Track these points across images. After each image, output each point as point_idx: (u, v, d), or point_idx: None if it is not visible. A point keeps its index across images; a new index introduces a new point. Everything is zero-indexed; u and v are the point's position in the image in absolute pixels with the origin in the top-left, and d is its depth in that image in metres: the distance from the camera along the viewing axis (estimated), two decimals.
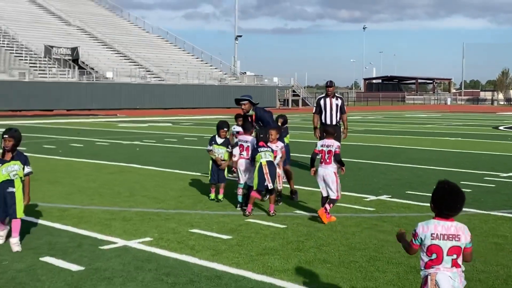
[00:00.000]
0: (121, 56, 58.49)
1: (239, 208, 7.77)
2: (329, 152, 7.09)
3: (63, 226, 6.77)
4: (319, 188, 7.28)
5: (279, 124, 9.18)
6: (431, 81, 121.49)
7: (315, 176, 7.28)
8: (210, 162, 8.46)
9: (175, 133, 22.57)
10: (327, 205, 6.98)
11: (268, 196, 7.80)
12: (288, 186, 8.68)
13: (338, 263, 5.36)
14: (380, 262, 5.41)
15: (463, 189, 3.40)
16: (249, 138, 7.99)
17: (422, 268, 3.40)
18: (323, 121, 10.85)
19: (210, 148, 8.42)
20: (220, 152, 8.34)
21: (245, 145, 7.96)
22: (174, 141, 18.61)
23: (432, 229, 3.34)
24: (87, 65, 52.91)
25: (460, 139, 20.05)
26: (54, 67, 50.26)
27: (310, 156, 7.47)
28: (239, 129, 9.08)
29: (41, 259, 5.47)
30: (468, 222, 6.71)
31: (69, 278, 4.93)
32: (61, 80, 47.91)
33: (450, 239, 3.32)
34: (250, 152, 7.78)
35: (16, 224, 5.87)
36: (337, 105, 10.84)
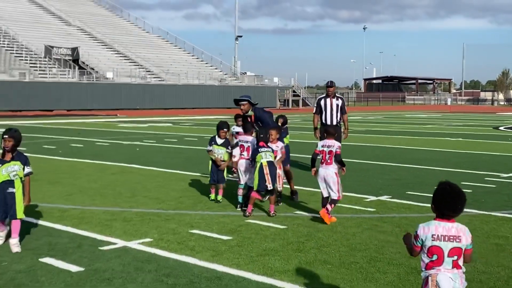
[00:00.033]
0: (121, 56, 58.50)
1: (239, 209, 7.76)
2: (330, 152, 7.08)
3: (63, 226, 6.76)
4: (319, 188, 7.27)
5: (279, 124, 9.17)
6: (431, 82, 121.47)
7: (315, 176, 7.26)
8: (210, 162, 8.46)
9: (175, 133, 22.56)
10: (328, 206, 6.96)
11: (268, 197, 7.79)
12: (288, 186, 8.67)
13: (339, 264, 5.35)
14: (380, 263, 5.40)
15: (464, 190, 3.39)
16: (250, 138, 7.98)
17: (423, 269, 3.40)
18: (324, 121, 10.84)
19: (210, 148, 8.41)
20: (220, 152, 8.33)
21: (246, 145, 7.95)
22: (175, 142, 18.60)
23: (433, 230, 3.33)
24: (87, 65, 52.92)
25: (460, 139, 20.03)
26: (54, 67, 50.27)
27: (310, 156, 7.46)
28: (239, 129, 9.07)
29: (40, 260, 5.45)
30: (469, 223, 6.71)
31: (68, 279, 4.92)
32: (61, 80, 47.93)
33: (451, 240, 3.31)
34: (250, 153, 7.76)
35: (16, 225, 5.86)
36: (337, 105, 10.82)
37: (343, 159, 7.22)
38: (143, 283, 4.83)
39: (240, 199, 7.89)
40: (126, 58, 58.42)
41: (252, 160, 7.57)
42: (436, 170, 11.81)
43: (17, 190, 5.84)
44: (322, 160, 7.12)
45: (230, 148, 8.33)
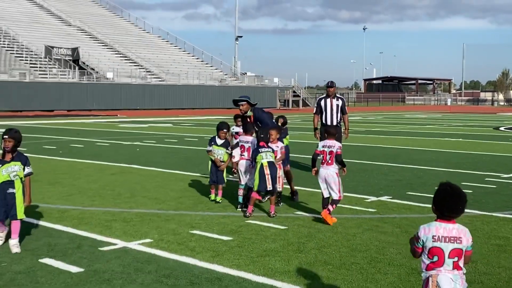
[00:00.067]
0: (121, 57, 58.50)
1: (240, 209, 7.75)
2: (331, 152, 7.06)
3: (63, 227, 6.75)
4: (319, 189, 7.25)
5: (279, 124, 9.15)
6: (431, 82, 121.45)
7: (316, 176, 7.25)
8: (210, 162, 8.45)
9: (176, 133, 22.55)
10: (330, 206, 6.95)
11: (268, 197, 7.77)
12: (288, 187, 8.65)
13: (339, 265, 5.33)
14: (381, 263, 5.38)
15: (464, 190, 3.38)
16: (250, 138, 7.97)
17: (423, 270, 3.39)
18: (324, 121, 10.82)
19: (210, 148, 8.40)
20: (219, 153, 8.32)
21: (246, 145, 7.94)
22: (175, 142, 18.59)
23: (434, 231, 3.32)
24: (87, 65, 52.92)
25: (460, 139, 20.02)
26: (55, 68, 50.27)
27: (310, 156, 7.45)
28: (238, 129, 9.07)
29: (40, 260, 5.44)
30: (470, 224, 6.70)
31: (68, 280, 4.90)
32: (61, 81, 47.93)
33: (452, 241, 3.30)
34: (251, 153, 7.75)
35: (15, 226, 5.84)
36: (337, 105, 10.80)
37: (343, 160, 7.20)
38: (143, 284, 4.81)
39: (240, 199, 7.88)
40: (126, 58, 58.42)
41: (253, 161, 7.55)
42: (436, 170, 11.79)
43: (18, 190, 5.82)
44: (323, 161, 7.11)
45: (229, 149, 8.32)
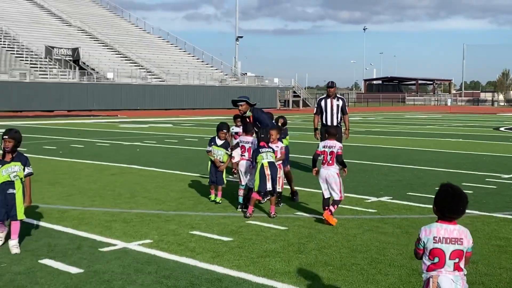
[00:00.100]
0: (121, 57, 58.50)
1: (240, 210, 7.74)
2: (331, 153, 7.05)
3: (62, 228, 6.73)
4: (320, 189, 7.24)
5: (280, 124, 9.14)
6: (431, 82, 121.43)
7: (317, 176, 7.24)
8: (209, 163, 8.44)
9: (176, 134, 22.54)
10: (331, 207, 6.94)
11: (267, 198, 7.76)
12: (289, 187, 8.64)
13: (340, 266, 5.32)
14: (382, 264, 5.37)
15: (465, 191, 3.37)
16: (250, 139, 7.96)
17: (424, 271, 3.38)
18: (324, 122, 10.80)
19: (209, 149, 8.39)
20: (219, 153, 8.31)
21: (247, 146, 7.93)
22: (175, 142, 18.58)
23: (435, 232, 3.31)
24: (87, 65, 52.92)
25: (461, 140, 20.01)
26: (55, 68, 50.27)
27: (310, 157, 7.43)
28: (238, 130, 9.07)
29: (40, 261, 5.43)
30: (470, 224, 6.68)
31: (68, 281, 4.89)
32: (61, 81, 47.93)
33: (453, 242, 3.29)
34: (251, 153, 7.74)
35: (15, 226, 5.83)
36: (338, 106, 10.78)
37: (344, 160, 7.19)
38: (143, 285, 4.80)
39: (240, 199, 7.87)
40: (126, 58, 58.42)
41: (253, 161, 7.54)
42: (436, 171, 11.78)
43: (18, 191, 5.81)
44: (324, 161, 7.10)
45: (229, 150, 8.31)
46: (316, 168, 7.25)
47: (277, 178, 7.46)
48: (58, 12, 64.63)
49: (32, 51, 52.18)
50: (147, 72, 56.42)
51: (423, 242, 3.33)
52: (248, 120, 8.23)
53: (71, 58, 52.44)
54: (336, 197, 7.01)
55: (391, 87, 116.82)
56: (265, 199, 7.95)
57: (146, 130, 24.49)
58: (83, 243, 6.06)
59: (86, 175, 10.95)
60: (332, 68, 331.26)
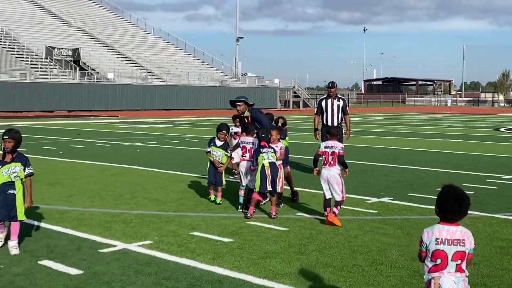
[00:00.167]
0: (122, 57, 58.49)
1: (240, 210, 7.71)
2: (333, 153, 7.03)
3: (62, 228, 6.71)
4: (320, 190, 7.21)
5: (280, 124, 9.12)
6: (431, 83, 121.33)
7: (318, 176, 7.21)
8: (208, 163, 8.41)
9: (176, 134, 22.52)
10: (335, 209, 6.93)
11: (266, 200, 7.73)
12: (288, 188, 8.61)
13: (341, 267, 5.29)
14: (383, 266, 5.34)
15: (466, 192, 3.36)
16: (251, 139, 7.93)
17: (426, 273, 3.37)
18: (325, 122, 10.77)
19: (209, 149, 8.36)
20: (218, 154, 8.28)
21: (248, 146, 7.90)
22: (175, 143, 18.55)
23: (437, 234, 3.29)
24: (88, 66, 52.92)
25: (461, 140, 19.98)
26: (55, 68, 50.26)
27: (311, 157, 7.41)
28: (237, 130, 9.04)
29: (39, 262, 5.40)
30: (472, 225, 6.66)
31: (67, 282, 4.86)
32: (62, 81, 47.92)
33: (455, 244, 3.28)
34: (252, 153, 7.72)
35: (15, 227, 5.80)
36: (338, 106, 10.75)
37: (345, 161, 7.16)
38: (143, 286, 4.77)
39: (241, 200, 7.84)
40: (127, 59, 58.42)
41: (254, 160, 7.51)
42: (437, 171, 11.75)
43: (18, 191, 5.78)
44: (325, 161, 7.07)
45: (229, 151, 8.28)
46: (317, 168, 7.22)
47: (277, 178, 7.43)
48: (59, 12, 64.63)
49: (32, 52, 52.17)
50: (148, 72, 56.41)
51: (426, 244, 3.31)
52: (246, 120, 8.21)
53: (72, 59, 52.44)
54: (338, 198, 6.98)
55: (391, 88, 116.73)
56: (263, 202, 7.91)
57: (147, 131, 24.47)
58: (82, 244, 6.03)
59: (86, 176, 10.92)
60: (332, 69, 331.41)
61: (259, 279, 4.95)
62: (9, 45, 52.17)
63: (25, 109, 43.55)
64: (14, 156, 5.82)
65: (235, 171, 8.29)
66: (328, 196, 7.06)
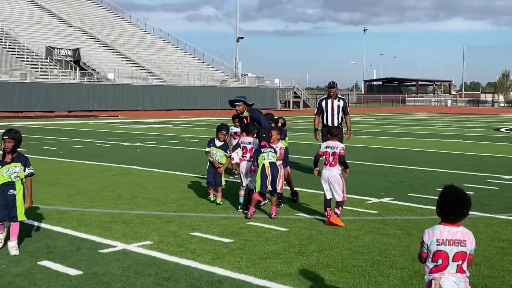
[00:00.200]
0: (122, 58, 58.49)
1: (241, 210, 7.70)
2: (334, 154, 7.02)
3: (62, 229, 6.70)
4: (321, 190, 7.20)
5: (280, 124, 9.11)
6: (431, 83, 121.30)
7: (318, 175, 7.19)
8: (208, 163, 8.39)
9: (177, 134, 22.51)
10: (337, 210, 6.92)
11: (266, 201, 7.71)
12: (288, 188, 8.59)
13: (341, 268, 5.28)
14: (384, 266, 5.33)
15: (466, 192, 3.34)
16: (251, 139, 7.92)
17: (427, 273, 3.36)
18: (325, 122, 10.75)
19: (208, 150, 8.35)
20: (218, 155, 8.26)
21: (248, 147, 7.89)
22: (176, 143, 18.54)
23: (438, 234, 3.29)
24: (88, 66, 52.91)
25: (461, 141, 19.96)
26: (56, 69, 50.26)
27: (311, 158, 7.40)
28: (237, 130, 9.02)
29: (39, 263, 5.38)
30: (472, 226, 6.65)
31: (67, 283, 4.85)
32: (62, 82, 47.92)
33: (456, 244, 3.27)
34: (253, 153, 7.70)
35: (15, 227, 5.78)
36: (339, 106, 10.73)
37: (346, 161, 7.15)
38: (143, 287, 4.76)
39: (241, 200, 7.83)
40: (127, 59, 58.42)
41: (254, 160, 7.50)
42: (438, 171, 11.73)
43: (18, 192, 5.76)
44: (326, 162, 7.06)
45: (228, 152, 8.26)
46: (318, 168, 7.21)
47: (277, 178, 7.42)
48: (59, 12, 64.63)
49: (33, 52, 52.17)
50: (148, 72, 56.41)
51: (427, 245, 3.31)
52: (245, 121, 8.19)
53: (72, 59, 52.44)
54: (339, 198, 6.97)
55: (391, 88, 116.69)
56: (263, 203, 7.90)
57: (147, 131, 24.46)
58: (82, 244, 6.02)
59: (86, 176, 10.91)
60: (332, 69, 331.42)
61: (259, 280, 4.93)
62: (9, 45, 52.17)
63: (25, 109, 43.55)
64: (14, 156, 5.81)
65: (235, 172, 8.27)
66: (328, 196, 7.04)
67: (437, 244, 3.27)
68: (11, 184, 5.73)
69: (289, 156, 9.27)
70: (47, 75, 48.61)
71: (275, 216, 7.29)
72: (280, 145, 7.95)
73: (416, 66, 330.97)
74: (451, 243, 3.26)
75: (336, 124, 10.62)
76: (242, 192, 7.89)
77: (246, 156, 7.88)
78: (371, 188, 9.57)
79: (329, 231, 6.63)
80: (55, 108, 45.49)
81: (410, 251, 5.74)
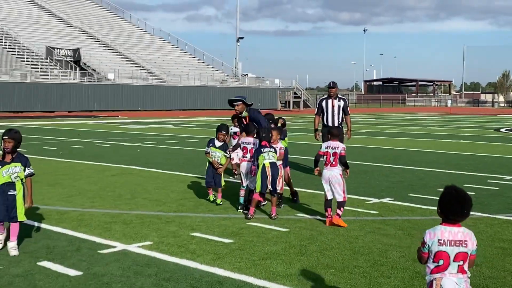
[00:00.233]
0: (122, 58, 58.49)
1: (241, 210, 7.69)
2: (334, 154, 7.00)
3: (62, 229, 6.68)
4: (321, 190, 7.19)
5: (280, 125, 9.10)
6: (431, 83, 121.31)
7: (319, 175, 7.18)
8: (207, 164, 8.38)
9: (177, 134, 22.50)
10: (338, 211, 6.90)
11: (265, 202, 7.69)
12: (288, 188, 8.57)
13: (342, 268, 5.27)
14: (384, 267, 5.32)
15: (467, 192, 3.33)
16: (252, 139, 7.91)
17: (428, 274, 3.35)
18: (325, 122, 10.74)
19: (208, 150, 8.33)
20: (217, 155, 8.25)
21: (249, 147, 7.88)
22: (176, 143, 18.53)
23: (439, 235, 3.28)
24: (88, 66, 52.92)
25: (461, 141, 19.95)
26: (56, 69, 50.26)
27: (311, 158, 7.38)
28: (237, 130, 9.02)
29: (38, 263, 5.37)
30: (473, 226, 6.64)
31: (67, 284, 4.84)
32: (62, 82, 47.92)
33: (457, 245, 3.27)
34: (253, 152, 7.69)
35: (14, 228, 5.77)
36: (339, 106, 10.72)
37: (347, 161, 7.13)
38: None
39: (241, 200, 7.82)
40: (127, 59, 58.41)
41: (255, 160, 7.49)
42: (438, 172, 11.72)
43: (18, 192, 5.75)
44: (327, 162, 7.05)
45: (228, 152, 8.25)
46: (318, 168, 7.19)
47: (277, 178, 7.41)
48: (59, 13, 64.64)
49: (33, 52, 52.17)
50: (148, 73, 56.40)
51: (428, 245, 3.29)
52: (244, 121, 8.18)
53: (72, 59, 52.44)
54: (340, 198, 6.96)
55: (391, 88, 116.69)
56: (263, 204, 7.88)
57: (147, 131, 24.45)
58: (82, 245, 6.01)
59: (86, 176, 10.90)
60: (332, 69, 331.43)
61: (259, 280, 4.92)
62: (9, 45, 52.17)
63: (25, 110, 43.55)
64: (14, 156, 5.79)
65: (235, 172, 8.26)
66: (329, 196, 7.03)
67: (438, 245, 3.26)
68: (11, 185, 5.71)
69: (289, 156, 9.26)
70: (47, 75, 48.61)
71: (275, 217, 7.27)
72: (280, 145, 7.94)
73: (416, 66, 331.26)
74: (452, 244, 3.26)
75: (336, 124, 10.60)
76: (242, 193, 7.88)
77: (246, 157, 7.87)
78: (371, 189, 9.56)
79: (329, 232, 6.61)
80: (55, 108, 45.48)
81: (411, 251, 5.73)
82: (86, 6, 70.52)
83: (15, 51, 51.33)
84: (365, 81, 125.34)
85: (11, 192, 5.71)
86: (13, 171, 5.72)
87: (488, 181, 10.44)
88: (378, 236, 6.43)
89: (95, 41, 60.31)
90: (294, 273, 5.13)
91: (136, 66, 57.02)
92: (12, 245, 5.71)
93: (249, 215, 7.27)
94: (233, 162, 8.21)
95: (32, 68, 48.81)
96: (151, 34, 69.31)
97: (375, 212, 7.72)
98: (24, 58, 50.74)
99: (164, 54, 63.35)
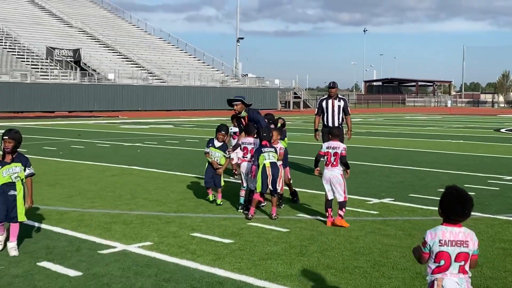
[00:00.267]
0: (123, 58, 58.49)
1: (241, 211, 7.68)
2: (335, 154, 7.00)
3: (61, 229, 6.67)
4: (321, 190, 7.17)
5: (280, 125, 9.09)
6: (431, 84, 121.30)
7: (319, 175, 7.17)
8: (206, 164, 8.36)
9: (177, 135, 22.49)
10: (340, 212, 6.89)
11: (265, 203, 7.68)
12: (288, 188, 8.56)
13: (342, 269, 5.26)
14: (385, 267, 5.31)
15: (468, 192, 3.32)
16: (252, 140, 7.90)
17: (429, 274, 3.34)
18: (325, 123, 10.73)
19: (207, 150, 8.32)
20: (217, 155, 8.24)
21: (249, 147, 7.87)
22: (176, 143, 18.53)
23: (440, 235, 3.27)
24: (89, 66, 52.91)
25: (461, 141, 19.94)
26: (56, 69, 50.25)
27: (311, 158, 7.38)
28: (236, 130, 9.01)
29: (38, 264, 5.36)
30: (474, 226, 6.62)
31: (66, 284, 4.83)
32: (63, 82, 47.91)
33: (458, 245, 3.26)
34: (254, 152, 7.68)
35: (14, 228, 5.76)
36: (339, 106, 10.71)
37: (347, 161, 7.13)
38: None
39: (241, 200, 7.81)
40: (127, 59, 58.41)
41: (255, 160, 7.48)
42: (438, 172, 11.71)
43: (19, 192, 5.74)
44: (327, 162, 7.04)
45: (228, 153, 8.24)
46: (319, 168, 7.18)
47: (278, 178, 7.40)
48: (59, 13, 64.64)
49: (33, 52, 52.17)
50: (148, 73, 56.40)
51: (429, 245, 3.29)
52: (243, 121, 8.17)
53: (72, 59, 52.44)
54: (341, 198, 6.95)
55: (391, 89, 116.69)
56: (263, 204, 7.87)
57: (147, 131, 24.44)
58: (82, 245, 6.00)
59: (86, 176, 10.89)
60: (332, 70, 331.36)
61: (260, 281, 4.91)
62: (9, 45, 52.16)
63: (25, 110, 43.54)
64: (14, 156, 5.78)
65: (235, 172, 8.25)
66: (330, 197, 7.02)
67: (439, 245, 3.25)
68: (11, 185, 5.70)
69: (289, 156, 9.24)
70: (48, 75, 48.60)
71: (276, 217, 7.26)
72: (280, 146, 7.93)
73: (416, 67, 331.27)
74: (453, 244, 3.25)
75: (336, 124, 10.60)
76: (242, 193, 7.87)
77: (246, 157, 7.86)
78: (371, 189, 9.55)
79: (330, 232, 6.60)
80: (56, 108, 45.48)
81: (411, 252, 5.71)
82: (86, 6, 70.53)
83: (15, 51, 51.34)
84: (365, 82, 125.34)
85: (12, 192, 5.70)
86: (13, 171, 5.71)
87: (488, 181, 10.43)
88: (378, 236, 6.42)
89: (95, 41, 60.32)
90: (295, 273, 5.12)
91: (136, 66, 57.02)
92: (12, 245, 5.70)
93: (249, 215, 7.26)
94: (233, 162, 8.20)
95: (32, 68, 48.82)
96: (151, 35, 69.32)
97: (375, 212, 7.71)
98: (24, 58, 50.74)
99: (164, 54, 63.36)
